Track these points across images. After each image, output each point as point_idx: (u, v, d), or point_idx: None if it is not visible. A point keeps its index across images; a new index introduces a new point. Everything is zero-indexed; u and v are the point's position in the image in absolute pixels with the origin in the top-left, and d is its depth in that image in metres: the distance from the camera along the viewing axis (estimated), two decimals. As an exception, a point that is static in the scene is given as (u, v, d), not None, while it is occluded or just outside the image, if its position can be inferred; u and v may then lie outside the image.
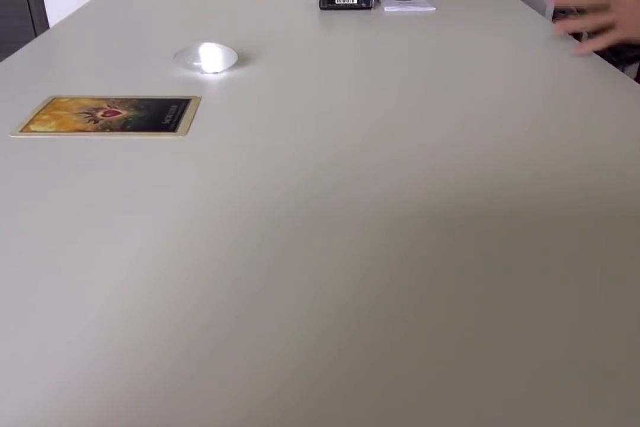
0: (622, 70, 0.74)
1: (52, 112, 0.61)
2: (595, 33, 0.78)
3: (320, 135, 0.57)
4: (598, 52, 0.79)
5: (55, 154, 0.54)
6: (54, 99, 0.64)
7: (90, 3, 1.06)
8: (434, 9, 1.03)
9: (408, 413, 0.29)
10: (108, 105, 0.63)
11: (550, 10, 0.83)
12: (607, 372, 0.32)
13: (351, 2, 1.03)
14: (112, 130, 0.57)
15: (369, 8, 1.03)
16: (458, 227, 0.44)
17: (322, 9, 1.02)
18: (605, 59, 0.77)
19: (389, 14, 1.02)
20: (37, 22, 2.23)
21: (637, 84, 0.69)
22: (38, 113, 0.61)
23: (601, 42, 0.76)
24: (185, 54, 0.73)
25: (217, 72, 0.72)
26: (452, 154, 0.54)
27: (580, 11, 0.78)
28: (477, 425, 0.29)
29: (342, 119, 0.61)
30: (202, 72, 0.72)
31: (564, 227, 0.44)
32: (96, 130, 0.57)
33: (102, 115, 0.60)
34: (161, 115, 0.60)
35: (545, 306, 0.36)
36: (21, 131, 0.57)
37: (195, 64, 0.72)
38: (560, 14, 0.76)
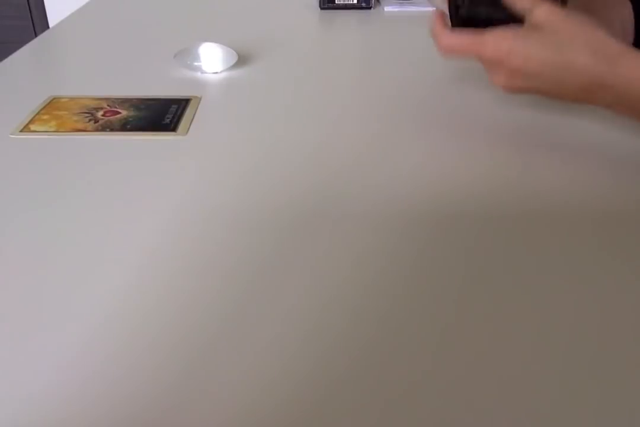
0: None
1: (52, 112, 0.61)
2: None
3: (319, 135, 0.57)
4: None
5: (55, 154, 0.54)
6: (54, 99, 0.64)
7: (90, 3, 1.06)
8: (434, 9, 1.03)
9: (410, 413, 0.30)
10: (108, 105, 0.62)
11: None
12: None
13: (351, 2, 1.03)
14: (112, 130, 0.57)
15: (369, 8, 1.03)
16: (457, 227, 0.44)
17: (322, 9, 1.02)
18: None
19: (389, 14, 1.02)
20: (37, 22, 2.23)
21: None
22: (38, 113, 0.61)
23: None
24: (185, 54, 0.73)
25: (217, 72, 0.72)
26: (452, 152, 0.54)
27: None
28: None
29: (342, 119, 0.61)
30: (202, 72, 0.72)
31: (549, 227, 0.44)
32: (96, 130, 0.57)
33: (102, 115, 0.60)
34: (161, 115, 0.60)
35: (554, 308, 0.36)
36: (21, 131, 0.57)
37: (195, 64, 0.72)
38: None
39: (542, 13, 0.48)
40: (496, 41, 0.49)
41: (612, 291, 0.38)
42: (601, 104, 0.49)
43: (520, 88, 0.51)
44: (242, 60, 0.75)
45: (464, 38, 0.51)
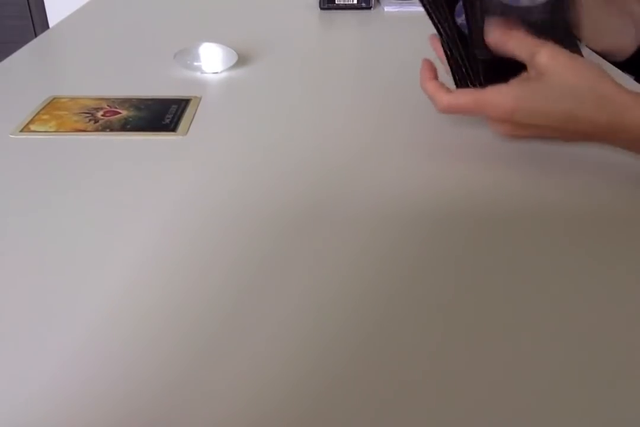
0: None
1: (52, 112, 0.61)
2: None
3: (319, 135, 0.57)
4: None
5: (55, 154, 0.54)
6: (54, 99, 0.64)
7: (90, 3, 1.06)
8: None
9: (409, 413, 0.30)
10: (108, 105, 0.62)
11: None
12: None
13: (351, 2, 1.03)
14: (112, 130, 0.57)
15: (369, 8, 1.03)
16: (454, 227, 0.44)
17: (322, 9, 1.02)
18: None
19: (389, 14, 1.02)
20: (37, 22, 2.23)
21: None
22: (38, 113, 0.61)
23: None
24: (185, 54, 0.73)
25: (217, 72, 0.72)
26: (451, 153, 0.54)
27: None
28: None
29: (342, 119, 0.61)
30: (202, 72, 0.72)
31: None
32: (96, 130, 0.57)
33: (102, 115, 0.60)
34: (161, 115, 0.60)
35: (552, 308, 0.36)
36: (21, 131, 0.57)
37: (195, 64, 0.72)
38: None
39: (544, 59, 0.47)
40: (498, 101, 0.47)
41: (610, 290, 0.38)
42: (612, 145, 0.49)
43: (525, 137, 0.51)
44: (242, 60, 0.75)
45: (464, 99, 0.49)
